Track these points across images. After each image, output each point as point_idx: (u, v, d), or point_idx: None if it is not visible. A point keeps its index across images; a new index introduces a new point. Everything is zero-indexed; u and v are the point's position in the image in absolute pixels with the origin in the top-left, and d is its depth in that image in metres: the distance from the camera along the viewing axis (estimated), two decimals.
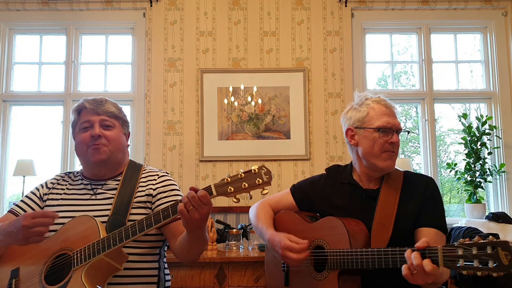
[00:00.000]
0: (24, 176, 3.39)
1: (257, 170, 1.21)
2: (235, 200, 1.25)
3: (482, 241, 1.04)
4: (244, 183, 1.20)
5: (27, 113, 3.80)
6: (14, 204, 1.59)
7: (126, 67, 3.72)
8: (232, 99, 3.46)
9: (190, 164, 3.48)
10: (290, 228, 1.62)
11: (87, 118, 1.54)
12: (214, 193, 1.24)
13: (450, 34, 3.83)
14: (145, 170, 1.62)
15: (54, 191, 1.58)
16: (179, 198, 1.54)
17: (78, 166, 3.53)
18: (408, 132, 1.69)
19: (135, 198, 1.50)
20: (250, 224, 3.10)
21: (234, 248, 2.72)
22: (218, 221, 3.00)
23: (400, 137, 1.58)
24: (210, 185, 1.24)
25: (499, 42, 3.67)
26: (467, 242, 1.07)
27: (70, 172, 1.68)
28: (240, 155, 3.46)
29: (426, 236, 1.43)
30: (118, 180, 1.56)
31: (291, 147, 3.48)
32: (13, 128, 3.70)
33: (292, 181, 3.38)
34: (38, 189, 1.61)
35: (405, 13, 3.69)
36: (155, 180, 1.57)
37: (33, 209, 1.55)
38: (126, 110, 3.67)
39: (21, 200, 1.58)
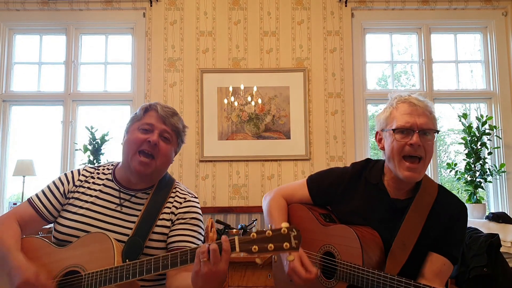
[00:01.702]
0: (24, 176, 3.38)
1: (286, 231, 1.10)
2: (258, 261, 1.15)
3: None
4: (270, 244, 1.10)
5: (27, 113, 3.80)
6: (36, 193, 1.53)
7: (126, 67, 3.72)
8: (232, 99, 3.46)
9: (190, 164, 3.47)
10: (302, 225, 1.55)
11: (151, 121, 1.47)
12: (237, 249, 1.14)
13: (450, 34, 3.83)
14: (175, 189, 1.54)
15: (81, 189, 1.51)
16: (196, 228, 1.49)
17: (78, 166, 3.52)
18: (438, 131, 1.42)
19: (159, 219, 1.45)
20: (250, 224, 3.10)
21: None
22: (218, 221, 3.00)
23: (432, 138, 1.40)
24: (234, 238, 1.15)
25: (499, 42, 3.67)
26: None
27: (99, 167, 1.59)
28: (240, 155, 3.46)
29: (434, 263, 1.37)
30: (148, 194, 1.49)
31: (291, 147, 3.47)
32: (13, 128, 3.69)
33: (292, 181, 3.37)
34: (63, 184, 1.52)
35: (405, 13, 3.69)
36: (180, 204, 1.50)
37: (53, 205, 1.48)
38: (126, 110, 3.67)
39: (42, 191, 1.51)
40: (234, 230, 2.78)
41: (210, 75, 3.54)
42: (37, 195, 1.52)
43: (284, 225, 1.11)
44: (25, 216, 1.49)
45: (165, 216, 1.47)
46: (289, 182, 3.35)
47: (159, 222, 1.45)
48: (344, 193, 1.55)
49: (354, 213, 1.49)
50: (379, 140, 1.49)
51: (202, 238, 1.51)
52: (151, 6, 3.62)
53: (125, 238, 1.39)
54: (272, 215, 1.59)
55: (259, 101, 3.47)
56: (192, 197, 1.55)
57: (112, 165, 1.59)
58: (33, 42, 3.78)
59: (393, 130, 1.39)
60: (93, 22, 3.69)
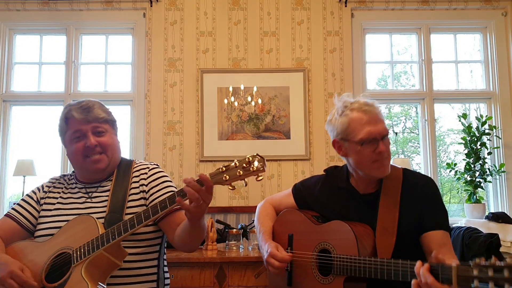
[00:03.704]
0: (24, 176, 3.39)
1: (251, 158, 1.22)
2: (230, 187, 1.26)
3: (499, 263, 1.00)
4: (239, 170, 1.22)
5: (27, 113, 3.80)
6: (12, 207, 1.58)
7: (126, 67, 3.72)
8: (232, 99, 3.46)
9: (190, 164, 3.48)
10: (296, 228, 1.60)
11: (77, 128, 1.49)
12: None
13: (450, 34, 3.83)
14: (136, 165, 1.61)
15: (51, 195, 1.58)
16: (171, 188, 1.55)
17: None
18: (396, 133, 1.57)
19: (129, 195, 1.50)
20: (250, 224, 3.11)
21: (234, 248, 2.72)
22: (218, 221, 3.01)
23: (390, 138, 1.50)
24: (205, 174, 1.25)
25: (499, 42, 3.67)
26: (483, 262, 1.03)
27: (64, 175, 1.67)
28: (240, 155, 3.44)
29: (434, 239, 1.41)
30: (111, 180, 1.55)
31: (291, 147, 3.48)
32: (13, 128, 3.69)
33: (292, 181, 3.38)
34: (35, 193, 1.60)
35: (405, 13, 3.70)
36: (146, 174, 1.56)
37: (30, 213, 1.55)
38: (126, 110, 3.67)
39: (18, 204, 1.57)
40: (234, 230, 2.79)
41: (210, 75, 3.55)
42: (13, 209, 1.57)
43: (249, 155, 1.24)
44: (5, 229, 1.52)
45: (134, 190, 1.53)
46: (289, 182, 3.37)
47: (130, 198, 1.50)
48: (320, 198, 1.63)
49: (333, 216, 1.54)
50: (339, 148, 1.54)
51: None
52: (151, 6, 3.63)
53: (103, 219, 1.44)
54: (260, 219, 1.72)
55: (259, 101, 3.47)
56: (154, 165, 1.62)
57: (73, 172, 1.67)
58: (34, 42, 3.78)
59: (360, 143, 1.44)
60: (93, 22, 3.70)
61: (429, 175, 3.53)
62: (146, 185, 1.54)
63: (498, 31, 3.68)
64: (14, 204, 1.60)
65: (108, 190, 1.52)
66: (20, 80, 3.74)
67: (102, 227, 1.38)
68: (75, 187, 1.58)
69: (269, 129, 3.49)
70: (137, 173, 1.57)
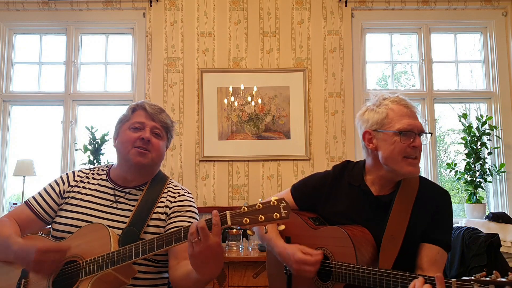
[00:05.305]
0: (24, 176, 3.38)
1: (276, 203, 1.15)
2: (250, 232, 1.22)
3: (500, 279, 0.98)
4: (261, 215, 1.15)
5: (27, 113, 3.80)
6: (32, 195, 1.55)
7: (126, 67, 3.72)
8: (232, 99, 3.46)
9: (190, 164, 3.48)
10: (292, 232, 1.57)
11: (141, 120, 1.53)
12: (229, 222, 1.18)
13: (450, 34, 3.83)
14: (169, 185, 1.59)
15: (76, 189, 1.54)
16: (192, 220, 1.52)
17: (78, 166, 3.53)
18: (431, 134, 1.50)
19: (154, 213, 1.48)
20: None
21: (234, 248, 2.72)
22: None
23: (422, 140, 1.44)
24: (225, 213, 1.19)
25: (499, 42, 3.67)
26: (483, 278, 1.01)
27: (94, 168, 1.64)
28: (240, 155, 3.46)
29: (428, 253, 1.38)
30: (142, 190, 1.53)
31: (291, 147, 3.48)
32: (13, 128, 3.70)
33: (292, 181, 3.38)
34: (58, 184, 1.55)
35: (405, 13, 3.70)
36: (174, 198, 1.54)
37: (49, 205, 1.51)
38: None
39: (39, 193, 1.54)
40: (234, 230, 2.79)
41: (210, 75, 3.54)
42: (33, 197, 1.54)
43: (274, 198, 1.17)
44: (22, 217, 1.51)
45: (159, 210, 1.50)
46: (289, 182, 3.37)
47: (154, 216, 1.48)
48: (328, 195, 1.56)
49: (340, 215, 1.50)
50: (369, 140, 1.47)
51: None
52: (151, 6, 3.63)
53: (120, 229, 1.42)
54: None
55: (259, 101, 3.47)
56: (185, 192, 1.59)
57: (106, 166, 1.64)
58: (33, 42, 3.78)
59: (399, 132, 1.39)
60: (93, 22, 3.70)
61: (429, 175, 3.54)
62: (170, 208, 1.51)
63: (498, 31, 3.68)
64: (14, 204, 1.58)
65: (137, 200, 1.51)
66: (20, 80, 3.74)
67: (116, 241, 1.35)
68: (104, 186, 1.55)
69: (269, 129, 3.49)
70: (165, 194, 1.55)
